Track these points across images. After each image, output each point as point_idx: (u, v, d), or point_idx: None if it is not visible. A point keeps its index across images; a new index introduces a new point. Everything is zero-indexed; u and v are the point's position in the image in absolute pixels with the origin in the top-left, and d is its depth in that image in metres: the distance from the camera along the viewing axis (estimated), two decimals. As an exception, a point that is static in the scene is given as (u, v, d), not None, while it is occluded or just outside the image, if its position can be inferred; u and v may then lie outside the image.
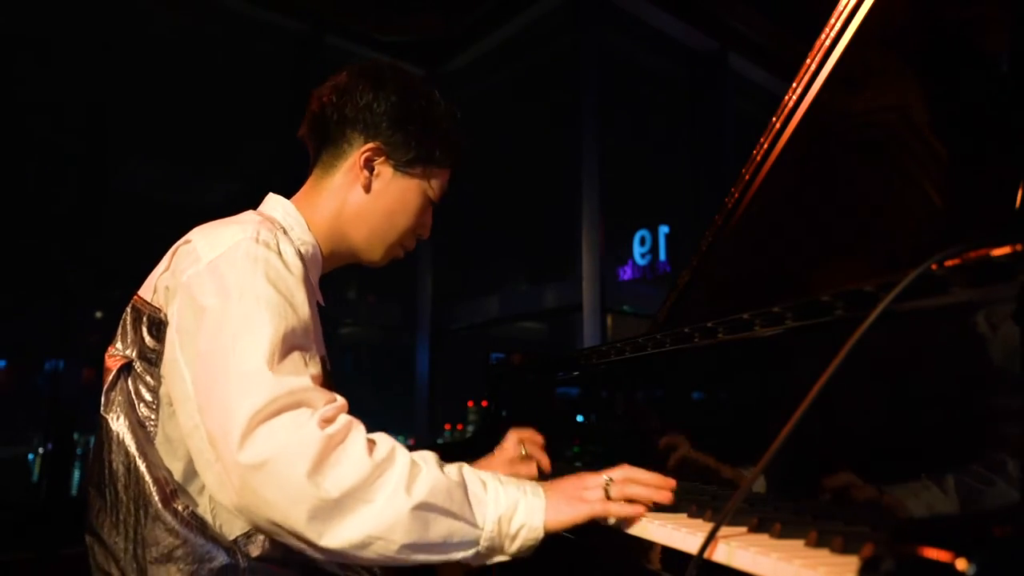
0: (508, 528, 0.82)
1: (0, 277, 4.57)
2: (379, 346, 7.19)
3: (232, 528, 0.90)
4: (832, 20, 1.21)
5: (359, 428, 0.82)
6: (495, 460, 1.25)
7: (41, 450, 4.79)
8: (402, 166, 1.09)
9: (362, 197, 1.09)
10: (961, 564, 0.42)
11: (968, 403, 0.68)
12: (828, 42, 1.22)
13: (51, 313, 4.69)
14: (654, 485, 0.90)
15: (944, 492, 0.68)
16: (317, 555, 0.79)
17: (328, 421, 0.79)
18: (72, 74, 4.80)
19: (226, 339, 0.81)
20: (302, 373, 0.83)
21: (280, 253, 0.92)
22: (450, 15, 6.28)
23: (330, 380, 1.18)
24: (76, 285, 4.53)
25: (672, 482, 0.91)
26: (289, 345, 0.84)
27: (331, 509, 0.75)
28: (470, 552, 0.82)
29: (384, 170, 1.09)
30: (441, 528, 0.79)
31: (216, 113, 5.42)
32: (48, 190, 4.81)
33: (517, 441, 1.26)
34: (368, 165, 1.08)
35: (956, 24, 1.11)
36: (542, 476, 1.22)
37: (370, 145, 1.07)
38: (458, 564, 0.83)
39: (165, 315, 0.91)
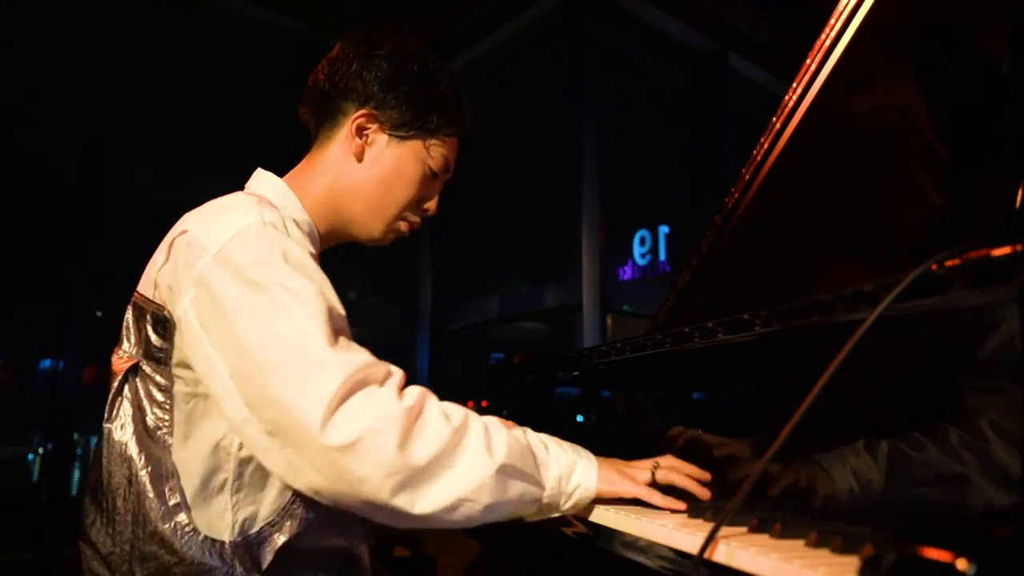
0: (566, 487, 0.88)
1: (0, 276, 4.57)
2: (379, 346, 7.17)
3: (255, 521, 0.88)
4: (832, 20, 1.21)
5: (431, 395, 0.84)
6: None
7: (41, 450, 4.79)
8: (396, 132, 1.04)
9: (356, 167, 1.04)
10: (962, 564, 0.42)
11: (969, 404, 0.68)
12: (828, 42, 1.21)
13: (51, 313, 4.69)
14: (696, 477, 0.95)
15: (944, 492, 0.68)
16: (405, 523, 0.80)
17: (401, 392, 0.81)
18: (72, 74, 4.80)
19: (270, 328, 0.79)
20: (358, 349, 0.83)
21: (288, 234, 0.89)
22: (450, 15, 6.28)
23: None
24: (76, 285, 4.52)
25: (708, 475, 0.96)
26: (333, 326, 0.83)
27: (421, 477, 0.77)
28: (532, 509, 0.87)
29: (378, 137, 1.04)
30: (517, 488, 0.83)
31: (216, 113, 5.43)
32: (47, 189, 4.81)
33: None
34: (360, 132, 1.03)
35: (956, 24, 1.11)
36: None
37: (362, 111, 1.02)
38: (464, 553, 0.87)
39: (170, 313, 0.87)
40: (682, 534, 0.76)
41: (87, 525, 0.91)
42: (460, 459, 0.79)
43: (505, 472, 0.81)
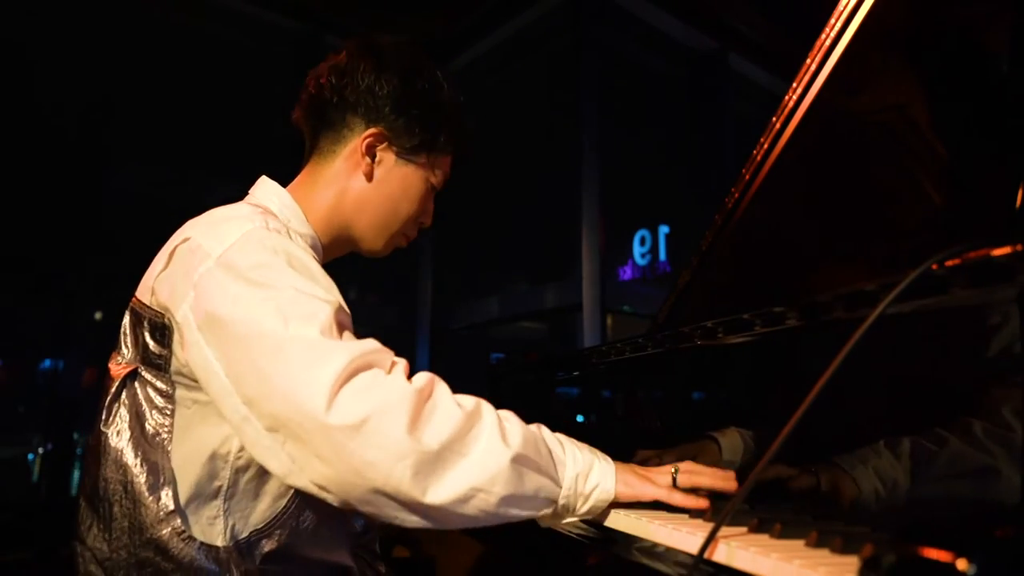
0: (583, 487, 0.84)
1: (0, 277, 4.57)
2: (379, 346, 7.16)
3: (245, 527, 0.88)
4: (832, 20, 1.20)
5: (440, 381, 0.81)
6: None
7: (41, 450, 4.79)
8: (405, 153, 1.05)
9: (364, 185, 1.04)
10: (962, 564, 0.42)
11: (969, 404, 0.68)
12: (828, 42, 1.21)
13: (51, 313, 4.70)
14: (720, 477, 0.90)
15: (944, 493, 0.68)
16: (416, 517, 0.76)
17: (408, 378, 0.78)
18: (72, 74, 4.80)
19: (270, 318, 0.78)
20: (363, 340, 0.82)
21: (291, 240, 0.91)
22: (450, 15, 6.28)
23: None
24: (76, 285, 4.53)
25: (732, 474, 0.91)
26: (339, 324, 0.81)
27: (433, 463, 0.74)
28: (548, 510, 0.83)
29: (386, 157, 1.05)
30: (533, 481, 0.79)
31: (215, 113, 5.43)
32: (48, 190, 4.81)
33: None
34: (370, 152, 1.03)
35: (956, 24, 1.11)
36: None
37: (372, 131, 1.02)
38: (464, 553, 0.85)
39: (170, 319, 0.86)
40: (682, 534, 0.76)
41: (84, 529, 0.90)
42: (473, 445, 0.76)
43: (520, 462, 0.77)
